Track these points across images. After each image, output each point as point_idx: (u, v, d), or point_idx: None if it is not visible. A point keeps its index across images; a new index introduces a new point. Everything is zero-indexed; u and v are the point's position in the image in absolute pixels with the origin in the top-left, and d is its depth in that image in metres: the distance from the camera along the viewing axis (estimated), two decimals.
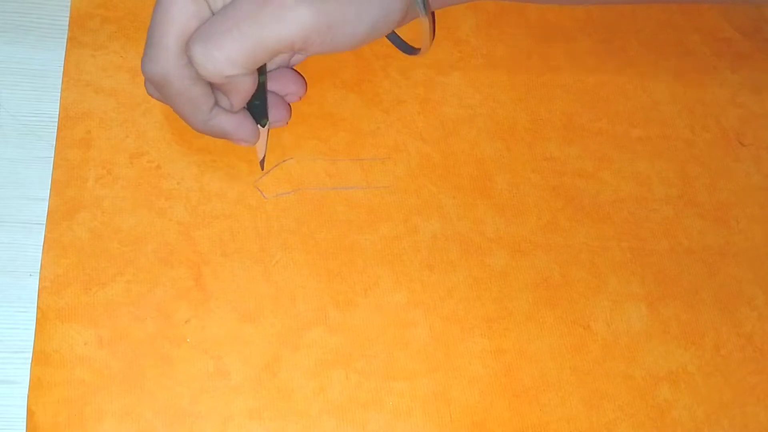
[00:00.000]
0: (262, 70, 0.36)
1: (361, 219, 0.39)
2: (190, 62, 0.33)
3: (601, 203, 0.41)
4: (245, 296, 0.36)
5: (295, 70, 0.40)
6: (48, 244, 0.36)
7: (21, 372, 0.33)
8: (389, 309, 0.37)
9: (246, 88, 0.35)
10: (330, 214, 0.39)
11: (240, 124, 0.36)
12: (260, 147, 0.38)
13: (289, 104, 0.40)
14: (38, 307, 0.34)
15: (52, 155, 0.37)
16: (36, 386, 0.33)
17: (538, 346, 0.38)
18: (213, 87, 0.35)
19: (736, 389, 0.38)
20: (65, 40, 0.40)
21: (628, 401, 0.37)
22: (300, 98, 0.40)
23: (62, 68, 0.39)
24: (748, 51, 0.47)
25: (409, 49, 0.40)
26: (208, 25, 0.33)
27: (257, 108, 0.37)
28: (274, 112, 0.39)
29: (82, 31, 0.41)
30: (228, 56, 0.32)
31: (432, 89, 0.43)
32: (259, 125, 0.38)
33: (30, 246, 0.36)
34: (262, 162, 0.39)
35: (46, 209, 0.36)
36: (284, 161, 0.39)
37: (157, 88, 0.35)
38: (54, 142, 0.38)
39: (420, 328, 0.37)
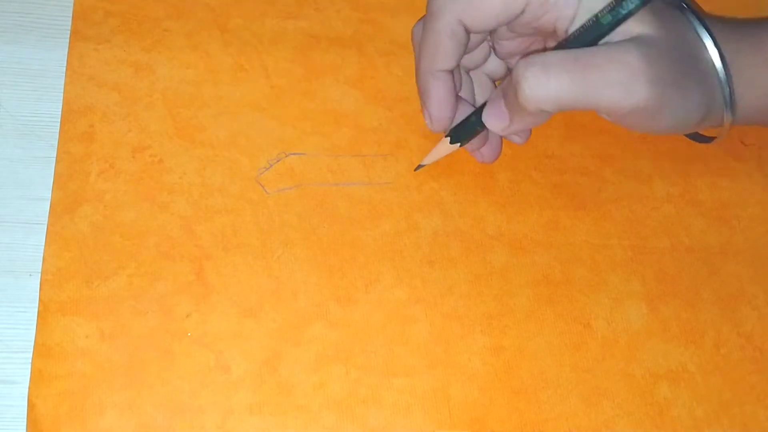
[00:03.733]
0: None
1: (362, 215, 0.39)
2: (457, 30, 0.35)
3: (602, 201, 0.41)
4: (246, 291, 0.36)
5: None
6: (50, 238, 0.36)
7: (21, 371, 0.33)
8: (390, 305, 0.37)
9: (534, 119, 0.35)
10: (331, 209, 0.39)
11: (444, 103, 0.37)
12: (434, 154, 0.39)
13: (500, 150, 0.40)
14: (40, 299, 0.34)
15: (53, 155, 0.37)
16: (37, 379, 0.33)
17: (538, 343, 0.38)
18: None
19: (735, 388, 0.38)
20: (65, 40, 0.40)
21: (628, 399, 0.37)
22: (484, 162, 0.40)
23: (63, 68, 0.39)
24: None
25: (702, 138, 0.41)
26: (553, 56, 0.33)
27: (469, 126, 0.38)
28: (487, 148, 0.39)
29: (85, 25, 0.41)
30: (559, 95, 0.33)
31: None
32: (451, 138, 0.38)
33: (30, 246, 0.36)
34: (418, 167, 0.39)
35: (47, 209, 0.36)
36: (286, 156, 0.40)
37: (426, 17, 0.36)
38: (54, 142, 0.38)
39: (420, 325, 0.37)
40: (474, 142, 0.39)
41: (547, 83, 0.32)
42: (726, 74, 0.36)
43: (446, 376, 0.36)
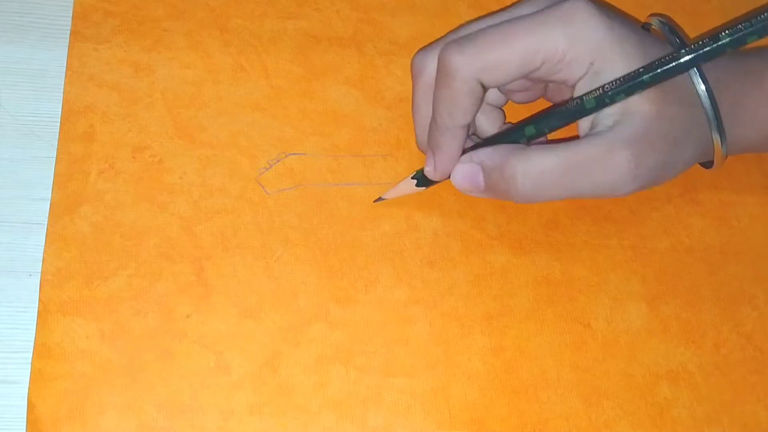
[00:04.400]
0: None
1: (362, 215, 0.39)
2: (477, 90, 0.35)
3: (602, 201, 0.41)
4: (246, 292, 0.36)
5: None
6: (50, 238, 0.36)
7: (21, 372, 0.33)
8: (390, 305, 0.37)
9: (506, 190, 0.36)
10: (331, 210, 0.39)
11: (454, 158, 0.37)
12: (397, 191, 0.39)
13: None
14: (40, 300, 0.34)
15: (53, 155, 0.37)
16: (37, 379, 0.33)
17: (538, 343, 0.38)
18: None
19: (735, 388, 0.38)
20: (65, 40, 0.40)
21: (628, 399, 0.37)
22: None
23: (63, 68, 0.39)
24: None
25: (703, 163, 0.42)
26: (546, 161, 0.35)
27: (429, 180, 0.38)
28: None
29: (85, 25, 0.41)
30: (549, 195, 0.35)
31: None
32: (416, 183, 0.38)
33: (30, 246, 0.36)
34: (378, 199, 0.39)
35: (47, 209, 0.36)
36: (286, 156, 0.40)
37: (440, 73, 0.36)
38: (54, 142, 0.38)
39: (420, 325, 0.37)
40: None
41: (542, 190, 0.35)
42: (719, 128, 0.37)
43: (446, 376, 0.36)
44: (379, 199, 0.39)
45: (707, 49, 0.34)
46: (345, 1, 0.44)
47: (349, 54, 0.43)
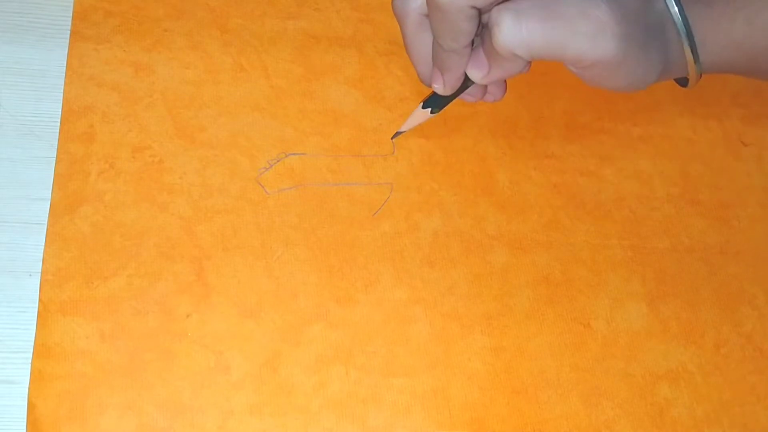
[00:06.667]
0: None
1: (362, 215, 0.39)
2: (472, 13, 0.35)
3: (602, 201, 0.41)
4: (246, 292, 0.36)
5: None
6: (50, 238, 0.36)
7: (21, 372, 0.33)
8: (390, 305, 0.37)
9: (510, 65, 0.36)
10: (331, 210, 0.39)
11: (461, 75, 0.37)
12: (410, 122, 0.39)
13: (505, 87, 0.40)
14: (40, 300, 0.34)
15: (53, 155, 0.37)
16: (37, 379, 0.33)
17: (538, 343, 0.38)
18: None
19: (735, 388, 0.38)
20: (65, 40, 0.40)
21: (628, 399, 0.37)
22: (495, 101, 0.40)
23: (62, 68, 0.39)
24: None
25: (680, 81, 0.41)
26: (526, 3, 0.34)
27: (440, 98, 0.38)
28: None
29: (85, 25, 0.41)
30: (530, 41, 0.34)
31: None
32: (428, 108, 0.38)
33: (30, 246, 0.36)
34: (396, 134, 0.39)
35: (47, 209, 0.36)
36: (286, 156, 0.40)
37: (433, 8, 0.35)
38: (54, 142, 0.38)
39: (420, 325, 0.37)
40: (475, 93, 0.39)
41: (519, 30, 0.34)
42: (686, 27, 0.37)
43: (446, 376, 0.36)
44: (397, 134, 0.39)
45: None
46: (345, 1, 0.44)
47: (349, 54, 0.43)
